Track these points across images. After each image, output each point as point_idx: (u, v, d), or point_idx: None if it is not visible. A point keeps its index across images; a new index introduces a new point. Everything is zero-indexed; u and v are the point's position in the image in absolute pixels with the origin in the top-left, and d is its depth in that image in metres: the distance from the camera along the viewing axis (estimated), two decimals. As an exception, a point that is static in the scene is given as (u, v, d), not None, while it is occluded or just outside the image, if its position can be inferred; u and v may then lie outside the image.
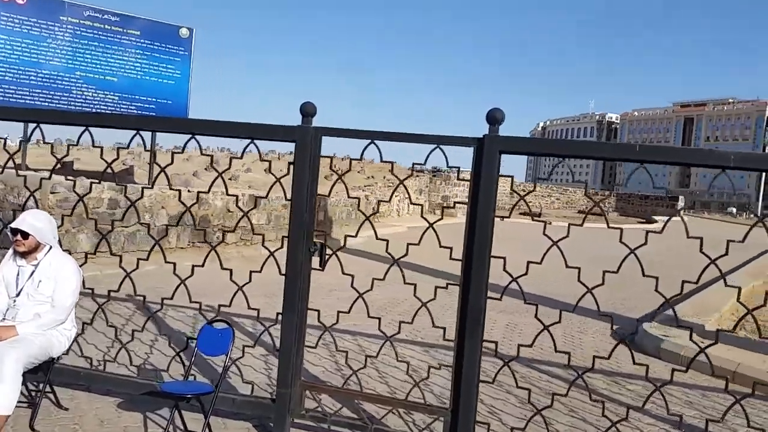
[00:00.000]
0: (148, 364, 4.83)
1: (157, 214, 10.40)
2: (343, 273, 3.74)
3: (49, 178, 4.65)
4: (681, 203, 36.53)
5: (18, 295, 3.71)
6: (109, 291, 4.15)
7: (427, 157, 3.58)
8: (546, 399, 4.40)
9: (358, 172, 26.00)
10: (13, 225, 3.68)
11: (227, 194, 4.38)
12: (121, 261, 4.04)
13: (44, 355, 3.64)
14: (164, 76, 11.13)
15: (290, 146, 3.83)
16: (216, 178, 4.01)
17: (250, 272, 3.87)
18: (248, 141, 3.88)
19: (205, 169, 19.58)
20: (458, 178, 3.95)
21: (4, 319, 3.67)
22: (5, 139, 4.78)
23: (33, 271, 3.73)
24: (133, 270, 4.02)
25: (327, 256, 3.76)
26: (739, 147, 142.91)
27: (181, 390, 3.40)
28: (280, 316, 3.73)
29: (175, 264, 3.97)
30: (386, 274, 3.66)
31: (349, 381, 3.85)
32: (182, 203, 4.04)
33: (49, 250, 3.80)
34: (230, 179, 17.90)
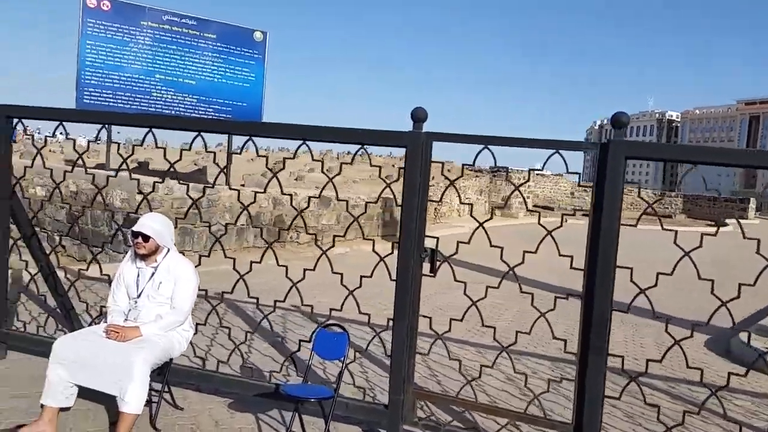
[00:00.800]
0: (248, 364, 4.90)
1: (236, 214, 10.62)
2: (456, 280, 3.71)
3: (163, 180, 4.79)
4: (752, 206, 34.95)
5: (139, 296, 3.82)
6: (223, 292, 4.25)
7: (545, 162, 3.52)
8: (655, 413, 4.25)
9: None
10: (134, 228, 3.78)
11: (338, 199, 4.40)
12: (234, 264, 4.11)
13: (166, 356, 3.74)
14: (240, 78, 11.36)
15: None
16: (326, 183, 4.03)
17: (361, 277, 3.88)
18: (358, 146, 3.89)
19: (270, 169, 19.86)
20: (579, 185, 3.85)
21: (126, 319, 3.79)
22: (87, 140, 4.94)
23: (153, 273, 3.84)
24: (247, 272, 4.09)
25: (438, 262, 3.73)
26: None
27: (303, 394, 3.43)
28: (390, 322, 3.74)
29: (287, 267, 4.01)
30: (500, 282, 3.60)
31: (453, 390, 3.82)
32: (294, 207, 4.09)
33: (167, 253, 3.90)
34: (296, 179, 18.13)
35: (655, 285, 3.27)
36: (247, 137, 4.08)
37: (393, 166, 24.01)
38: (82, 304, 4.74)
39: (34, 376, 4.42)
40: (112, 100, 10.53)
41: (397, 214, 16.13)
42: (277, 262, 4.09)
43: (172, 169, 4.34)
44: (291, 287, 3.96)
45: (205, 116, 10.95)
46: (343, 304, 3.90)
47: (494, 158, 3.61)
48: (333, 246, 4.15)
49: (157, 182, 4.81)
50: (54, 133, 4.67)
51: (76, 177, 9.70)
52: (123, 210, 9.12)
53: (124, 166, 4.56)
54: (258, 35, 11.37)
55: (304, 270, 3.96)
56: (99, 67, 10.47)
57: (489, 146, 3.57)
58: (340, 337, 3.70)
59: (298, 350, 4.15)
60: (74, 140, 5.10)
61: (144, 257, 3.85)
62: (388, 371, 3.67)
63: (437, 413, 4.10)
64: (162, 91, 10.89)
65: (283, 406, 4.08)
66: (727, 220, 31.37)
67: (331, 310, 3.99)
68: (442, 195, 4.51)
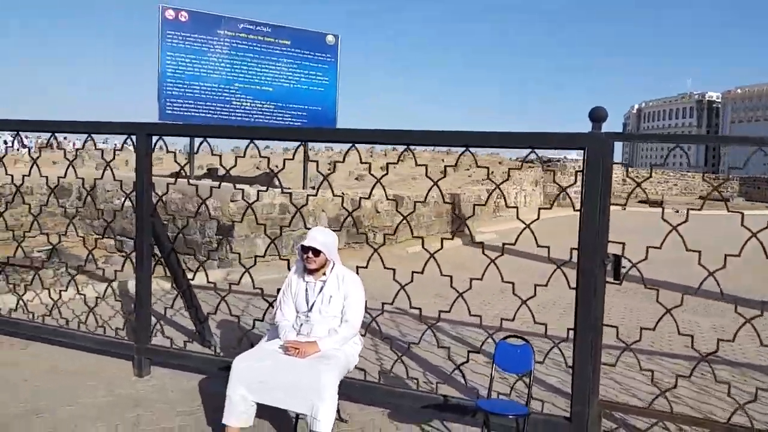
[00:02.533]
0: (392, 374, 4.77)
1: (319, 218, 10.60)
2: (646, 287, 3.55)
3: (271, 189, 4.74)
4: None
5: (310, 310, 3.76)
6: (383, 303, 4.17)
7: (747, 160, 3.32)
8: None
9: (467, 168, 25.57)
10: (305, 243, 3.72)
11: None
12: (395, 274, 4.02)
13: (346, 370, 3.68)
14: (314, 83, 11.31)
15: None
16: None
17: (535, 285, 3.76)
18: (528, 150, 3.76)
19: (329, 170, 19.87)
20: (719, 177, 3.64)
21: (298, 334, 3.73)
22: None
23: (322, 287, 3.77)
24: (408, 283, 3.99)
25: (624, 268, 3.58)
26: None
27: (500, 410, 3.31)
28: (571, 333, 3.61)
29: (450, 278, 3.90)
30: (698, 289, 3.42)
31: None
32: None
33: (333, 266, 3.83)
34: (356, 179, 18.10)
35: None
36: (405, 147, 4.00)
37: (442, 161, 23.48)
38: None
39: (187, 391, 4.44)
40: (194, 110, 10.61)
41: (465, 210, 15.86)
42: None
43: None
44: (456, 298, 3.85)
45: (283, 122, 10.98)
46: (515, 315, 3.79)
47: (688, 157, 3.43)
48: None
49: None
50: (198, 148, 4.69)
51: (161, 187, 9.81)
52: (218, 218, 9.17)
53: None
54: (330, 39, 11.30)
55: (451, 278, 3.84)
56: (179, 77, 10.54)
57: (680, 145, 3.40)
58: (524, 349, 3.57)
59: (467, 361, 4.04)
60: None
61: (312, 271, 3.80)
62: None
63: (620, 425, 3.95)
64: (241, 99, 10.93)
65: (445, 417, 3.99)
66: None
67: (502, 320, 3.87)
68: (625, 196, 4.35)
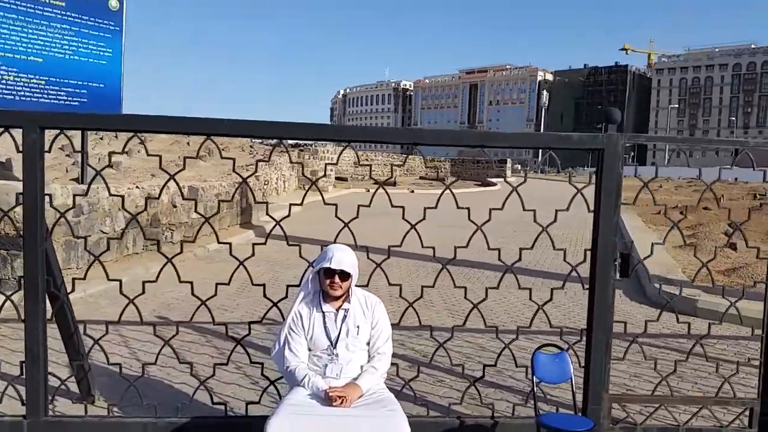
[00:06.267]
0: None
1: (116, 218, 8.99)
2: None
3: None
4: (509, 165, 40.02)
5: (334, 346, 3.13)
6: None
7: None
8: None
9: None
10: (332, 265, 3.06)
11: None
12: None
13: (397, 410, 3.15)
14: (94, 55, 9.28)
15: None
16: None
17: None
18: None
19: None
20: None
21: (324, 376, 3.09)
22: None
23: (344, 317, 3.17)
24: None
25: (632, 265, 3.73)
26: (516, 110, 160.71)
27: (566, 426, 3.16)
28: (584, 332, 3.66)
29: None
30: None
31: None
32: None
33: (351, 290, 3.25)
34: (110, 166, 15.80)
35: None
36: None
37: (188, 143, 21.55)
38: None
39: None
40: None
41: (251, 199, 15.01)
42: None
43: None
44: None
45: (57, 101, 8.82)
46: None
47: (689, 162, 3.69)
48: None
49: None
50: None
51: None
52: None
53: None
54: (113, 4, 9.38)
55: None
56: None
57: (681, 147, 3.65)
58: (561, 357, 3.50)
59: (482, 376, 3.79)
60: None
61: (331, 299, 3.17)
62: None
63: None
64: (2, 72, 8.43)
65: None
66: (495, 180, 35.65)
67: (519, 328, 3.73)
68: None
